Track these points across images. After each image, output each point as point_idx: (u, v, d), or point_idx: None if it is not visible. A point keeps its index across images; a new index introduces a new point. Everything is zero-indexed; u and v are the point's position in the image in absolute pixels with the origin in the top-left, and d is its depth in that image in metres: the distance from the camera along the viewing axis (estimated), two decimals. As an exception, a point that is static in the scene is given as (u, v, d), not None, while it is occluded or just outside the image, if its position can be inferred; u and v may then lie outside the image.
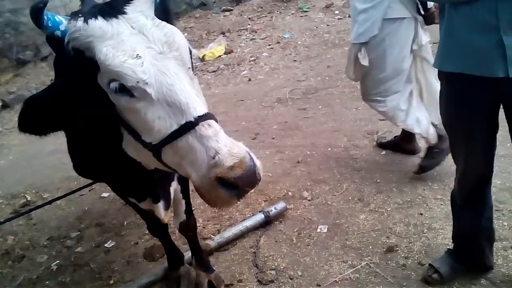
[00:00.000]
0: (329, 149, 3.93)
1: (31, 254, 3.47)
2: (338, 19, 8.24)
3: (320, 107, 4.86)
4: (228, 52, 7.75)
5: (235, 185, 1.26)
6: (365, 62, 3.06)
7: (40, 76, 8.82)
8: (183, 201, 2.44)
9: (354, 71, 3.26)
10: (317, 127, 4.40)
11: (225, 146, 1.28)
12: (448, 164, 3.23)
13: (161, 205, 2.10)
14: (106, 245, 3.34)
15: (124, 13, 1.40)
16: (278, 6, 9.45)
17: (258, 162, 1.33)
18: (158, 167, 1.55)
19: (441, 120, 2.14)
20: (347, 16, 8.24)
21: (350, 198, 3.19)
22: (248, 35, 8.43)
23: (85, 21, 1.35)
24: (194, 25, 9.30)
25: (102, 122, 1.46)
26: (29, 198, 4.29)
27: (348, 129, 4.22)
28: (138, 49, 1.32)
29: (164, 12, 1.59)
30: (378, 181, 3.30)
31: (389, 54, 3.00)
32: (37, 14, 1.31)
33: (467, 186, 2.12)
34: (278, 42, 7.65)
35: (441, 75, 2.00)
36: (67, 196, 3.33)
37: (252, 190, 1.37)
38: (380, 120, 4.15)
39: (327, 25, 8.03)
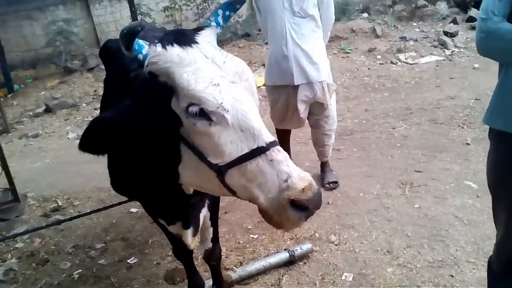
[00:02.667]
0: (361, 194, 3.89)
1: (55, 259, 3.53)
2: (380, 64, 8.27)
3: (354, 150, 4.84)
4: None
5: (305, 207, 1.32)
6: None
7: (85, 86, 9.13)
8: (211, 229, 2.45)
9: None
10: (350, 170, 4.37)
11: (295, 170, 1.35)
12: (484, 227, 3.15)
13: (189, 231, 2.12)
14: (128, 260, 3.37)
15: (196, 42, 1.47)
16: (321, 44, 9.56)
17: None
18: (209, 189, 1.61)
19: (487, 181, 2.10)
20: (389, 61, 8.29)
21: (378, 248, 3.13)
22: (288, 69, 8.53)
23: (164, 47, 1.42)
24: (237, 54, 9.48)
25: (162, 143, 1.50)
26: (60, 204, 4.39)
27: (381, 176, 4.17)
28: (215, 77, 1.39)
29: None
30: (409, 234, 3.23)
31: None
32: (131, 37, 1.38)
33: (507, 254, 2.05)
34: (318, 80, 7.70)
35: (491, 133, 1.97)
36: (99, 211, 3.40)
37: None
38: (416, 171, 4.10)
39: (368, 68, 8.06)
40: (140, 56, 1.43)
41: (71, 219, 3.96)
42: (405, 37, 9.16)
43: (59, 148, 6.34)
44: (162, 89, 1.42)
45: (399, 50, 8.68)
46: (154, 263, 3.31)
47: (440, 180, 3.94)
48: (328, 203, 3.78)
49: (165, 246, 3.50)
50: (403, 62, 8.23)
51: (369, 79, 7.47)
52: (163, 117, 1.44)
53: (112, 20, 11.87)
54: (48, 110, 8.09)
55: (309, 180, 1.35)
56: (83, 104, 8.29)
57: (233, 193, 1.47)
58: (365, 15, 11.76)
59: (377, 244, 3.17)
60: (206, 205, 2.24)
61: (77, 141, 1.50)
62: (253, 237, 3.47)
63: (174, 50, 1.42)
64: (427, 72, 7.54)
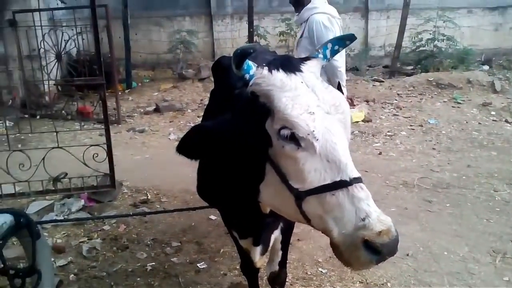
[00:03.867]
0: (445, 253, 3.63)
1: (134, 248, 3.78)
2: (493, 120, 7.71)
3: (447, 205, 4.54)
4: (366, 120, 7.72)
5: (378, 250, 1.29)
6: None
7: (193, 94, 9.75)
8: (280, 252, 2.47)
9: None
10: (439, 225, 4.10)
11: (375, 211, 1.33)
12: None
13: (258, 248, 2.16)
14: (198, 264, 3.50)
15: (301, 71, 1.54)
16: (431, 90, 9.18)
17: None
18: (285, 213, 1.62)
19: None
20: (504, 119, 7.69)
21: (453, 314, 2.89)
22: (391, 109, 8.32)
23: (270, 71, 1.51)
24: (342, 86, 9.47)
25: (250, 160, 1.57)
26: (149, 197, 4.71)
27: (472, 239, 3.85)
28: (311, 106, 1.43)
29: None
30: (491, 308, 2.95)
31: None
32: (243, 57, 1.48)
33: None
34: (421, 125, 7.40)
35: None
36: (181, 211, 3.57)
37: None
38: (512, 242, 3.74)
39: (479, 123, 7.55)
40: (247, 76, 1.52)
41: (156, 212, 4.23)
42: (527, 97, 8.45)
43: (159, 146, 6.81)
44: (260, 109, 1.49)
45: (517, 110, 8.02)
46: (222, 272, 3.39)
47: (539, 257, 3.54)
48: (407, 255, 3.59)
49: (234, 258, 3.57)
50: (520, 122, 7.58)
51: (478, 134, 6.99)
52: (257, 135, 1.51)
53: (230, 37, 12.58)
54: (157, 110, 8.75)
55: (389, 224, 1.31)
56: (189, 110, 8.83)
57: (307, 220, 1.48)
58: (486, 67, 11.09)
59: (453, 310, 2.93)
60: (279, 227, 2.27)
61: (176, 143, 1.62)
62: (321, 271, 3.40)
63: (278, 75, 1.49)
64: (545, 137, 6.85)
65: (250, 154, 1.55)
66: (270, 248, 2.29)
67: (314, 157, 1.40)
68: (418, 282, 3.25)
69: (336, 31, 3.95)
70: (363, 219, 1.31)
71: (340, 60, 3.87)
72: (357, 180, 1.38)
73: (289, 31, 11.24)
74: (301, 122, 1.39)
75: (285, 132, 1.41)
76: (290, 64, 1.54)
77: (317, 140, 1.39)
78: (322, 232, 1.45)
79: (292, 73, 1.51)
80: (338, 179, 1.37)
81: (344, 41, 1.74)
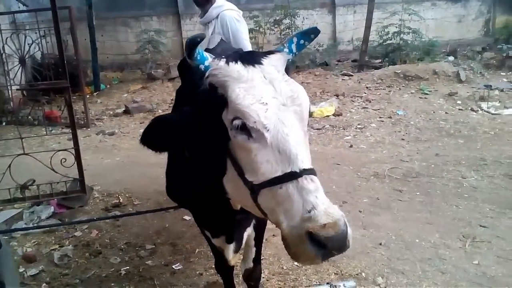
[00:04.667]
0: (417, 240, 3.71)
1: (107, 253, 3.71)
2: (459, 109, 7.94)
3: (418, 193, 4.64)
4: (337, 114, 7.82)
5: (323, 244, 1.26)
6: None
7: (164, 94, 9.65)
8: (254, 249, 2.47)
9: None
10: (410, 214, 4.19)
11: (323, 204, 1.31)
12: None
13: (231, 246, 2.15)
14: (174, 266, 3.46)
15: (261, 63, 1.54)
16: (398, 82, 9.37)
17: (350, 230, 1.34)
18: (248, 208, 1.61)
19: None
20: (469, 108, 7.93)
21: (426, 300, 2.96)
22: (361, 102, 8.45)
23: (227, 62, 1.51)
24: (311, 81, 9.57)
25: (212, 153, 1.57)
26: (121, 200, 4.63)
27: (442, 225, 3.95)
28: (265, 97, 1.44)
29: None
30: (462, 291, 3.03)
31: None
32: (193, 46, 1.49)
33: None
34: (390, 117, 7.54)
35: None
36: (154, 211, 3.53)
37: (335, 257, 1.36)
38: (481, 226, 3.84)
39: (446, 112, 7.76)
40: (202, 67, 1.53)
41: (128, 215, 4.16)
42: (490, 86, 8.73)
43: (130, 148, 6.71)
44: (217, 100, 1.49)
45: (482, 98, 8.28)
46: (197, 272, 3.37)
47: (506, 239, 3.65)
48: (380, 244, 3.65)
49: (210, 258, 3.55)
50: (485, 111, 7.82)
51: (445, 124, 7.18)
52: (214, 127, 1.51)
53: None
54: (127, 112, 8.63)
55: (336, 218, 1.29)
56: (160, 110, 8.74)
57: (264, 215, 1.48)
58: (451, 58, 11.40)
59: (425, 295, 2.99)
60: (252, 224, 2.26)
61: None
62: (297, 265, 3.41)
63: (235, 67, 1.50)
64: (509, 124, 7.08)
65: (210, 147, 1.56)
66: (243, 245, 2.29)
67: (266, 148, 1.40)
68: (391, 270, 3.31)
69: (245, 26, 4.11)
70: (309, 211, 1.29)
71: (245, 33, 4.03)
72: (308, 171, 1.37)
73: (257, 28, 11.25)
74: (251, 112, 1.39)
75: (237, 122, 1.42)
76: (250, 58, 1.55)
77: (268, 130, 1.39)
78: (276, 226, 1.44)
79: (250, 65, 1.51)
80: (288, 170, 1.37)
81: (309, 35, 1.74)
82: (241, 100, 1.41)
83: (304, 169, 1.36)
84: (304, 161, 1.38)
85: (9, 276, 1.49)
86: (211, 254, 3.56)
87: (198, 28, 12.41)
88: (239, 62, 1.51)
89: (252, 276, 2.55)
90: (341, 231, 1.28)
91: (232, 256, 2.19)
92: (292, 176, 1.36)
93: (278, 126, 1.41)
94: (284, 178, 1.36)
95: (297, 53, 1.73)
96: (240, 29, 3.94)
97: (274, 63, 1.58)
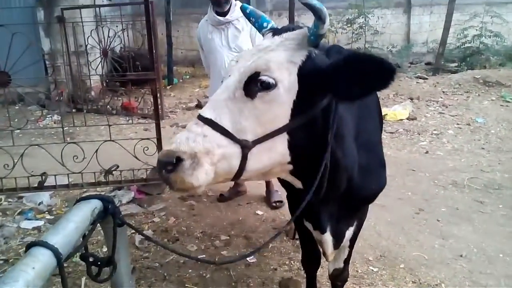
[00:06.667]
0: (501, 255, 3.52)
1: (184, 240, 3.85)
2: (545, 119, 7.40)
3: (500, 206, 4.39)
4: (411, 118, 7.55)
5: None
6: None
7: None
8: (347, 250, 2.43)
9: None
10: (492, 227, 3.97)
11: (177, 138, 1.45)
12: None
13: (329, 239, 2.10)
14: (248, 258, 3.52)
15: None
16: (478, 87, 8.89)
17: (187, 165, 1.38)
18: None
19: None
20: (557, 119, 7.36)
21: (513, 318, 2.80)
22: (437, 107, 8.10)
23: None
24: (384, 83, 9.28)
25: None
26: (196, 191, 4.77)
27: (528, 241, 3.73)
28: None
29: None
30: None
31: None
32: None
33: None
34: (468, 124, 7.18)
35: None
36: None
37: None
38: None
39: (530, 122, 7.27)
40: None
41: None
42: None
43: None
44: None
45: None
46: (271, 267, 3.41)
47: None
48: (461, 256, 3.50)
49: (283, 254, 3.58)
50: None
51: (529, 134, 6.73)
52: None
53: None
54: (199, 106, 8.86)
55: (165, 151, 1.40)
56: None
57: None
58: (538, 64, 10.63)
59: (512, 314, 2.84)
60: (354, 225, 2.24)
61: None
62: (372, 270, 3.36)
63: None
64: None
65: None
66: (344, 243, 2.24)
67: None
68: (473, 283, 3.16)
69: None
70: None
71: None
72: (199, 117, 1.50)
73: (329, 27, 11.11)
74: None
75: None
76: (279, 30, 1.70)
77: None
78: None
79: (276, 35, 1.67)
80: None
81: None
82: None
83: (199, 114, 1.50)
84: (203, 110, 1.51)
85: (123, 253, 1.59)
86: (285, 250, 3.62)
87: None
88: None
89: (341, 276, 2.53)
90: (162, 156, 1.39)
91: (331, 251, 2.16)
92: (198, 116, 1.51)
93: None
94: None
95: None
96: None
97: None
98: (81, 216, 1.29)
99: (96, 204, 1.39)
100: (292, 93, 1.48)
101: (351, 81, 1.39)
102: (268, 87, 1.45)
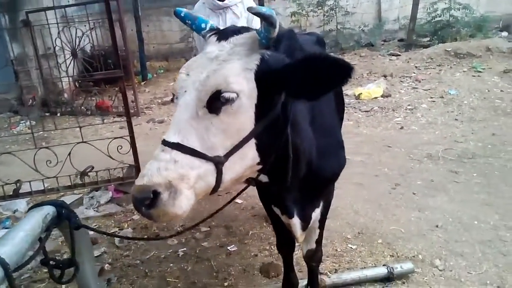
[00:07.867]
0: (475, 222, 3.60)
1: (164, 235, 3.83)
2: (516, 87, 7.54)
3: (474, 174, 4.48)
4: (385, 95, 7.62)
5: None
6: None
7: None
8: (318, 231, 2.47)
9: None
10: (467, 195, 4.06)
11: (147, 170, 1.38)
12: None
13: (297, 222, 2.15)
14: (229, 247, 3.55)
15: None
16: (449, 60, 8.99)
17: (164, 197, 1.34)
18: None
19: None
20: (528, 86, 7.51)
21: (488, 282, 2.87)
22: (410, 83, 8.18)
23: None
24: (357, 63, 9.36)
25: None
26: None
27: (501, 206, 3.81)
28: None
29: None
30: (527, 274, 2.92)
31: None
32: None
33: None
34: (442, 97, 7.27)
35: None
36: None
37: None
38: (545, 207, 3.68)
39: (501, 90, 7.38)
40: None
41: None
42: (550, 60, 8.22)
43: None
44: None
45: (542, 74, 7.82)
46: (252, 254, 3.43)
47: None
48: (436, 226, 3.57)
49: (263, 240, 3.61)
50: (544, 87, 7.39)
51: (500, 102, 6.84)
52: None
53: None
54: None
55: (138, 186, 1.34)
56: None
57: None
58: (505, 34, 10.81)
59: (486, 277, 2.91)
60: (321, 206, 2.27)
61: None
62: (351, 247, 3.41)
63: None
64: None
65: None
66: (311, 224, 2.29)
67: None
68: (449, 252, 3.23)
69: None
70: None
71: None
72: (165, 142, 1.43)
73: (300, 10, 11.12)
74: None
75: None
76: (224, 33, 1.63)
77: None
78: None
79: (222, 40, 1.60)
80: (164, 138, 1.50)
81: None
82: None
83: (164, 140, 1.43)
84: (167, 135, 1.44)
85: (86, 255, 1.59)
86: (265, 236, 3.65)
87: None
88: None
89: (314, 257, 2.57)
90: (137, 192, 1.33)
91: (300, 234, 2.20)
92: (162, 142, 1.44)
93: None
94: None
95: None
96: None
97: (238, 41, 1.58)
98: (31, 224, 1.28)
99: (49, 210, 1.38)
100: (253, 98, 1.48)
101: (307, 82, 1.40)
102: (231, 100, 1.45)
